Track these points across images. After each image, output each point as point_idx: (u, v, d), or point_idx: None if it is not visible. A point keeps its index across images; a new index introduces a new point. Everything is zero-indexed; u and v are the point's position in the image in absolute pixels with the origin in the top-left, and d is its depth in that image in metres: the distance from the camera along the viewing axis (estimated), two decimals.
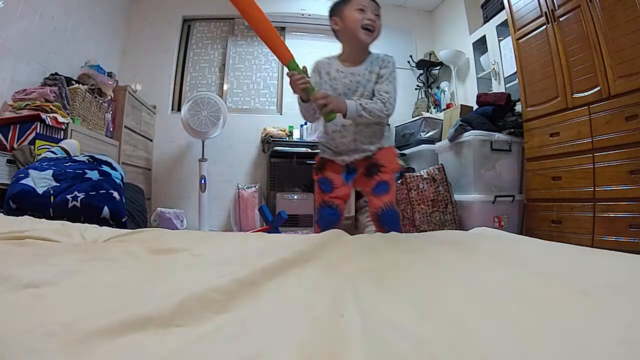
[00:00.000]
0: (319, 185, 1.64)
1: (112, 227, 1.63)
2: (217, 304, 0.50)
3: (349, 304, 0.49)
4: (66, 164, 1.98)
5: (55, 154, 2.19)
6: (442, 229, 2.87)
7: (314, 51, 4.38)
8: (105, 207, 1.81)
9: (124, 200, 1.98)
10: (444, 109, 3.94)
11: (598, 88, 2.27)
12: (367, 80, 1.56)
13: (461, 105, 3.53)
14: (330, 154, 1.63)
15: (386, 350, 0.38)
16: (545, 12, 2.66)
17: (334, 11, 1.60)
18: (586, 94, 2.36)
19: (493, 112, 3.06)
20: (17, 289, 0.54)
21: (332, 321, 0.45)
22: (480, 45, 3.86)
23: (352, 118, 1.47)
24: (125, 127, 3.43)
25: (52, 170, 1.86)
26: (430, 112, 4.12)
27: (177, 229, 3.40)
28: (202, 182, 3.74)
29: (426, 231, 2.37)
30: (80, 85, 2.90)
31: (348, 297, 0.52)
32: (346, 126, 1.57)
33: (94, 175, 1.95)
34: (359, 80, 1.56)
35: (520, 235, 1.12)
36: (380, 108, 1.48)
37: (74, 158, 2.13)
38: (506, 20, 3.14)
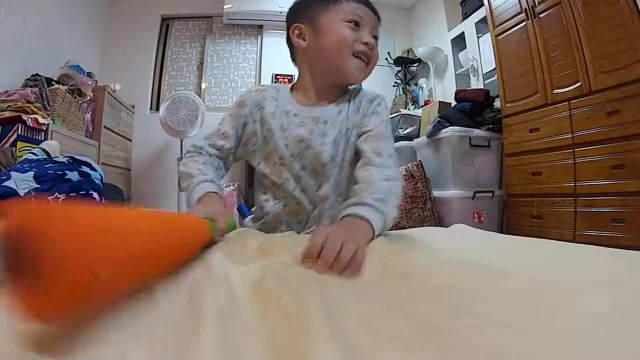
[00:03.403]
0: None
1: None
2: None
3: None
4: (47, 165, 1.92)
5: (37, 155, 2.13)
6: (422, 226, 2.84)
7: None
8: None
9: (103, 201, 1.95)
10: (422, 106, 3.92)
11: (579, 84, 2.28)
12: (339, 130, 0.94)
13: (439, 101, 3.51)
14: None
15: None
16: (525, 9, 2.66)
17: (298, 14, 0.99)
18: (566, 89, 2.36)
19: (472, 108, 3.05)
20: None
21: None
22: (459, 42, 3.87)
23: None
24: (104, 127, 3.39)
25: (33, 172, 1.79)
26: (409, 109, 4.09)
27: None
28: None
29: (405, 227, 2.34)
30: (61, 85, 2.88)
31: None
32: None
33: (74, 176, 1.90)
34: (325, 132, 0.94)
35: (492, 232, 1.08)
36: (397, 193, 0.84)
37: (55, 159, 2.06)
38: (485, 17, 3.14)
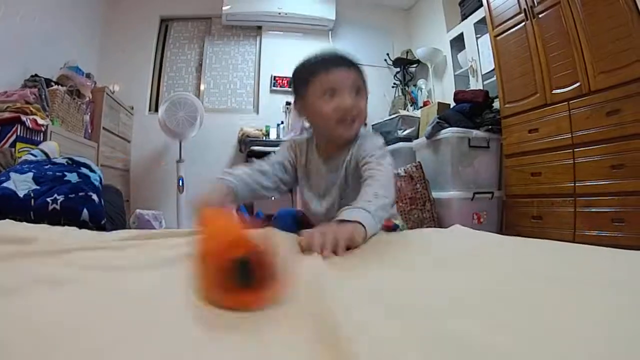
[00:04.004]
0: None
1: (92, 229, 1.57)
2: None
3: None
4: (46, 166, 1.92)
5: (36, 156, 2.12)
6: (421, 227, 2.84)
7: (290, 50, 4.37)
8: (85, 210, 1.75)
9: (103, 202, 1.92)
10: (421, 107, 3.91)
11: (578, 84, 2.27)
12: (348, 174, 1.13)
13: (438, 102, 3.51)
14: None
15: None
16: (525, 9, 2.65)
17: (297, 89, 1.14)
18: (566, 89, 2.36)
19: (471, 109, 3.05)
20: None
21: None
22: (458, 43, 3.86)
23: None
24: (103, 128, 3.36)
25: (32, 173, 1.79)
26: (408, 110, 4.09)
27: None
28: (180, 183, 3.66)
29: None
30: (60, 86, 2.85)
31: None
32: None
33: (73, 177, 1.89)
34: (340, 175, 1.15)
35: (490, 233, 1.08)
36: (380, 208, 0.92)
37: (54, 160, 2.06)
38: (484, 17, 3.14)
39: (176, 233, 1.09)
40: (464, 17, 3.75)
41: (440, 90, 4.10)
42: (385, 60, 4.57)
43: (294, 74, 1.15)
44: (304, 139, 1.25)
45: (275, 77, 4.40)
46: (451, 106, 3.30)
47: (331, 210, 1.14)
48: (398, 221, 1.23)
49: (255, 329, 0.37)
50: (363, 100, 1.09)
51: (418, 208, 2.95)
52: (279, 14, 4.32)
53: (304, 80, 1.08)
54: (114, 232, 1.18)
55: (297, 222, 1.28)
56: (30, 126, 2.30)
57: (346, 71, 1.05)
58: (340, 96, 1.03)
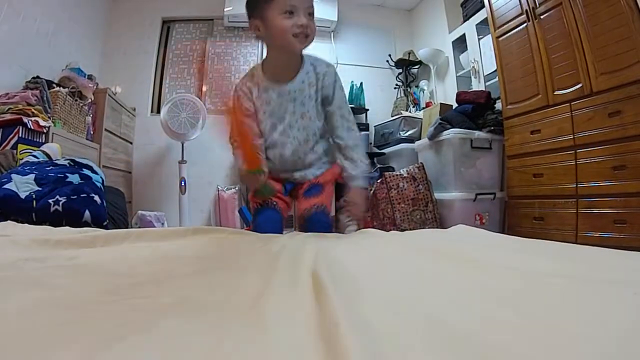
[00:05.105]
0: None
1: None
2: None
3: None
4: (48, 168, 1.92)
5: (37, 158, 2.12)
6: (423, 228, 2.84)
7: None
8: (87, 211, 1.77)
9: (105, 203, 1.93)
10: (423, 108, 3.92)
11: (580, 85, 2.27)
12: (308, 98, 1.37)
13: (440, 103, 3.52)
14: (273, 169, 1.43)
15: None
16: (526, 10, 2.66)
17: (253, 11, 1.30)
18: (567, 91, 2.36)
19: (473, 110, 3.05)
20: None
21: None
22: (460, 44, 3.86)
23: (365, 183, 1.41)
24: (105, 130, 3.36)
25: (34, 175, 1.80)
26: (410, 111, 4.09)
27: None
28: (182, 184, 3.67)
29: (407, 229, 2.33)
30: (61, 88, 2.85)
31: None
32: (288, 147, 1.41)
33: (75, 179, 1.90)
34: (296, 98, 1.36)
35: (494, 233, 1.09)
36: (357, 141, 1.43)
37: (56, 162, 2.06)
38: (486, 18, 3.14)
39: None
40: (466, 18, 3.75)
41: (443, 91, 4.10)
42: (388, 61, 4.57)
43: (252, 0, 1.30)
44: (247, 74, 1.46)
45: None
46: (453, 107, 3.31)
47: (286, 131, 1.39)
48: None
49: (255, 323, 0.37)
50: (314, 23, 1.27)
51: (420, 209, 2.95)
52: None
53: (264, 1, 1.24)
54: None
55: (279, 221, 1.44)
56: (32, 128, 2.31)
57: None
58: (297, 16, 1.22)
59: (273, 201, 1.43)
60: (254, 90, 1.41)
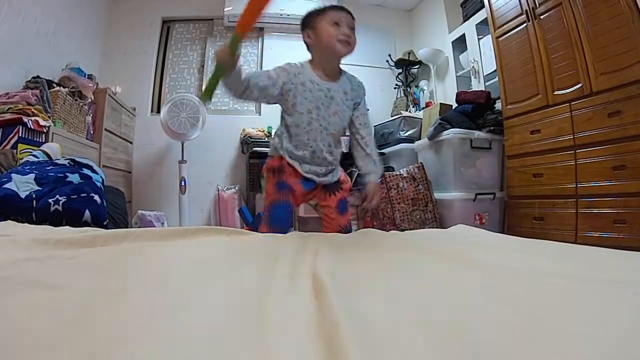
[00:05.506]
0: (277, 187, 1.58)
1: None
2: None
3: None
4: (47, 168, 1.92)
5: (37, 157, 2.11)
6: (423, 228, 2.84)
7: (292, 51, 4.36)
8: (87, 211, 1.76)
9: (105, 203, 1.93)
10: (423, 108, 3.92)
11: (579, 85, 2.28)
12: (342, 101, 1.57)
13: (440, 103, 3.52)
14: (295, 161, 1.58)
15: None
16: (526, 10, 2.66)
17: (306, 24, 1.57)
18: (567, 91, 2.36)
19: (473, 110, 3.05)
20: None
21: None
22: (460, 44, 3.86)
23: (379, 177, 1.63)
24: (105, 129, 3.36)
25: (34, 174, 1.79)
26: (409, 111, 4.09)
27: None
28: (182, 184, 3.67)
29: (407, 229, 2.34)
30: (61, 88, 2.84)
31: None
32: (317, 141, 1.56)
33: (75, 178, 1.90)
34: (334, 97, 1.55)
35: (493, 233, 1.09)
36: (372, 137, 1.66)
37: (56, 161, 2.05)
38: (486, 18, 3.14)
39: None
40: (466, 18, 3.75)
41: (442, 91, 4.10)
42: (387, 61, 4.58)
43: (308, 13, 1.56)
44: (296, 64, 1.59)
45: None
46: (453, 107, 3.31)
47: (318, 120, 1.54)
48: None
49: (256, 323, 0.38)
50: (355, 36, 1.50)
51: (420, 209, 2.95)
52: (281, 15, 4.32)
53: (316, 14, 1.52)
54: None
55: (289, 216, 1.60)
56: (32, 127, 2.30)
57: (346, 14, 1.51)
58: (342, 28, 1.47)
59: (287, 198, 1.57)
60: (299, 75, 1.55)
